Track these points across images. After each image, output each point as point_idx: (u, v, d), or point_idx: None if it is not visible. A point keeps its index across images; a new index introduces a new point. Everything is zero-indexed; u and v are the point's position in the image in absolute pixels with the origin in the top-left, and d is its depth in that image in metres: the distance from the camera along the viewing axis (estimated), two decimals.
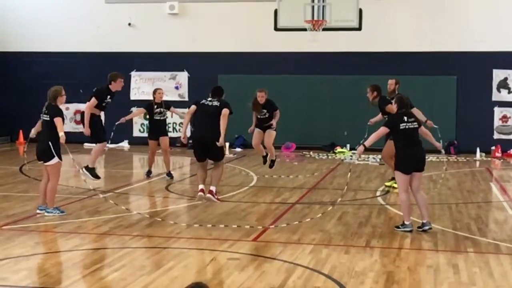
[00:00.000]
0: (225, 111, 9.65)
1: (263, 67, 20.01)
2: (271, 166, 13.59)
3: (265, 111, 13.14)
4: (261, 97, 13.13)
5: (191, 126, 10.84)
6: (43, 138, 9.86)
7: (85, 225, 9.31)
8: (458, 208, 10.91)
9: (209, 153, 9.84)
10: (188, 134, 10.94)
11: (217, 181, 9.93)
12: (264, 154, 13.49)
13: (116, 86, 11.85)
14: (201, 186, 9.84)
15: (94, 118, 11.77)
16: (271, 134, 13.25)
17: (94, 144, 12.20)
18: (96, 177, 11.90)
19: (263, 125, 13.25)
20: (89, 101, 11.72)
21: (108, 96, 11.79)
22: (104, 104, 11.86)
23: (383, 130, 9.15)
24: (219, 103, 9.77)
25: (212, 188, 9.78)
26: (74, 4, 21.30)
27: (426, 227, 8.97)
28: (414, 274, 7.10)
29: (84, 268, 7.22)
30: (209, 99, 9.89)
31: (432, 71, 19.33)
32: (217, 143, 9.59)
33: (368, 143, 9.08)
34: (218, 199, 9.87)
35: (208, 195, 9.75)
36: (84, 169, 11.86)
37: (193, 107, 9.94)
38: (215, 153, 9.85)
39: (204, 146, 9.75)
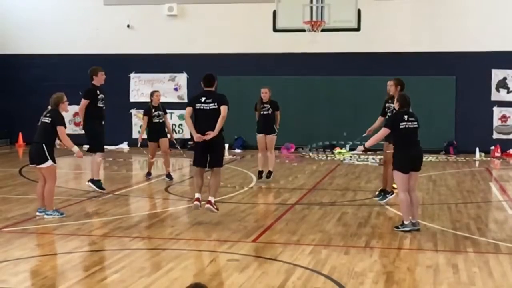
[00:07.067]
0: (224, 111, 9.36)
1: (262, 68, 20.00)
2: (267, 177, 13.52)
3: (268, 106, 13.44)
4: (265, 93, 13.48)
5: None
6: (38, 140, 9.78)
7: (85, 227, 9.30)
8: (458, 208, 10.91)
9: (210, 155, 9.53)
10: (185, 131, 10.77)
11: (215, 190, 9.69)
12: (261, 170, 13.61)
13: (99, 80, 11.85)
14: (197, 195, 9.56)
15: (95, 125, 11.67)
16: (272, 140, 13.59)
17: (88, 148, 12.06)
18: (102, 188, 11.84)
19: (266, 126, 13.44)
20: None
21: (98, 91, 11.73)
22: (99, 104, 11.71)
23: (384, 132, 9.16)
24: (216, 103, 9.43)
25: (211, 198, 9.56)
26: (73, 6, 21.31)
27: (415, 228, 8.99)
28: (414, 274, 7.10)
29: (83, 270, 7.21)
30: (203, 99, 9.47)
31: (431, 71, 19.34)
32: (211, 132, 9.28)
33: (368, 144, 9.16)
34: (217, 208, 9.60)
35: (207, 205, 9.50)
36: (89, 182, 11.93)
37: (190, 109, 9.55)
38: (216, 156, 9.58)
39: (206, 147, 9.47)
